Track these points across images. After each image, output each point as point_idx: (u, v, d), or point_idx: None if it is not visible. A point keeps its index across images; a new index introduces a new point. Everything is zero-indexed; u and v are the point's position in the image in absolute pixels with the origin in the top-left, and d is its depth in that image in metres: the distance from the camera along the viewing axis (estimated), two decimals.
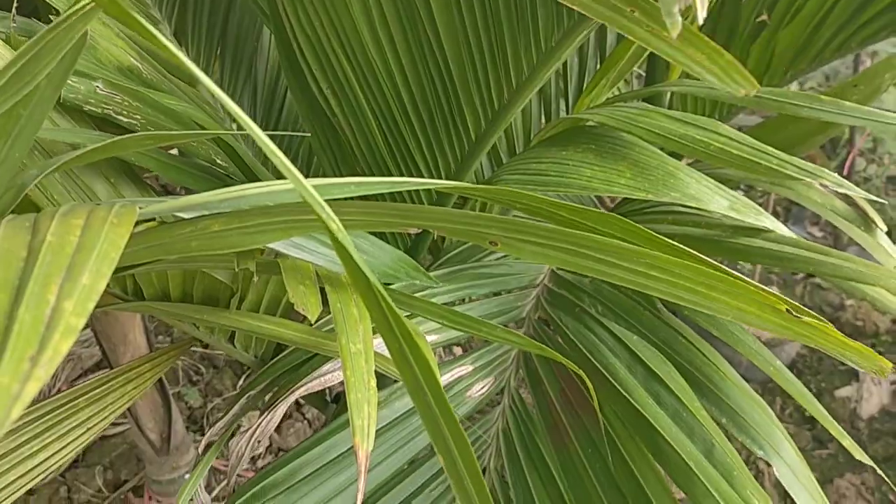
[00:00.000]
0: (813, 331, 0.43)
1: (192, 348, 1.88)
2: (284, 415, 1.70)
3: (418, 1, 0.59)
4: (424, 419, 0.36)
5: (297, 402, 1.72)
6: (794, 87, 1.81)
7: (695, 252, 0.46)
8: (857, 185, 2.20)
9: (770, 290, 0.46)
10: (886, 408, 1.66)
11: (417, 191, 0.73)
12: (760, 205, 1.88)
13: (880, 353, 1.56)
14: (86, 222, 0.32)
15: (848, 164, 1.86)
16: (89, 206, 0.34)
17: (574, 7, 0.49)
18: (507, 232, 0.47)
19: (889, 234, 2.20)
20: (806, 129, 0.85)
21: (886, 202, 1.05)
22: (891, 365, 0.44)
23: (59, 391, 0.78)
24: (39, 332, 0.27)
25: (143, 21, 0.28)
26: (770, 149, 0.60)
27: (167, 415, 1.26)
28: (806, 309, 0.44)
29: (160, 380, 1.21)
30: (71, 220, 0.32)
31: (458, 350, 1.58)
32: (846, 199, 0.70)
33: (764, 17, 0.90)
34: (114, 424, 1.68)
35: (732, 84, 0.54)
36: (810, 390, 1.78)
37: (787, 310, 0.43)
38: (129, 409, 1.21)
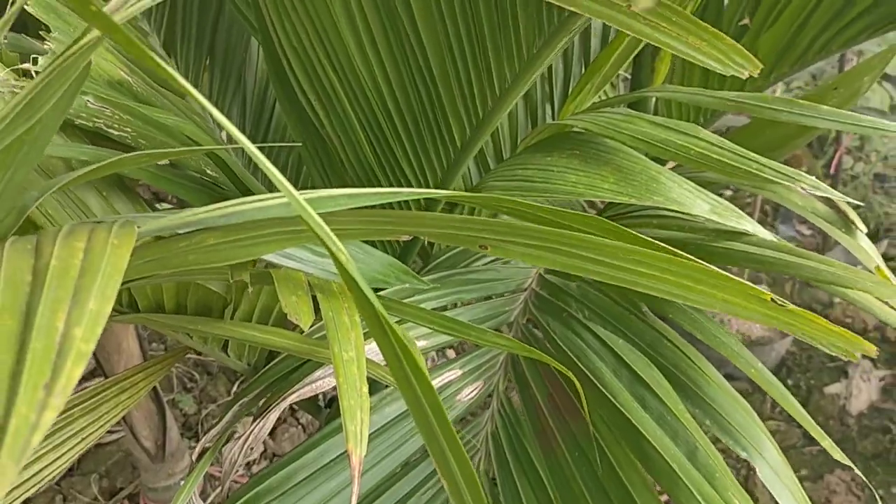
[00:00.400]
0: (798, 318, 0.44)
1: (187, 355, 1.89)
2: (279, 420, 1.71)
3: (402, 13, 0.60)
4: (419, 423, 0.37)
5: (290, 408, 1.73)
6: (780, 87, 1.83)
7: (676, 251, 0.47)
8: (845, 183, 2.21)
9: (759, 287, 0.47)
10: (875, 404, 1.67)
11: (408, 202, 0.74)
12: (748, 205, 1.89)
13: None
14: (87, 245, 0.33)
15: (835, 162, 1.87)
16: (89, 226, 0.35)
17: (571, 8, 0.50)
18: (497, 234, 0.48)
19: (878, 230, 2.20)
20: (786, 132, 0.87)
21: (863, 204, 1.06)
22: (875, 347, 0.45)
23: None
24: (51, 360, 0.27)
25: (150, 52, 0.29)
26: (750, 153, 0.61)
27: (162, 422, 1.27)
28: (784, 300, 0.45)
29: (154, 387, 1.22)
30: (73, 242, 0.33)
31: (451, 353, 1.60)
32: (827, 200, 0.71)
33: (746, 20, 0.91)
34: (109, 432, 1.69)
35: (735, 66, 0.55)
36: (800, 387, 1.79)
37: (771, 299, 0.44)
38: (123, 417, 1.22)
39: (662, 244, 0.48)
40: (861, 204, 0.63)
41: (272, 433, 1.67)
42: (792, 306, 0.42)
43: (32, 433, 0.26)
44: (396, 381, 0.38)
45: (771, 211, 2.23)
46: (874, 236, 2.07)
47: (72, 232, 0.35)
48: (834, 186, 2.02)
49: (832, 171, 1.90)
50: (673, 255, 0.47)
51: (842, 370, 1.75)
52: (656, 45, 0.51)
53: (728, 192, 2.36)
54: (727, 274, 0.44)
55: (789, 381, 1.75)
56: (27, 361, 0.27)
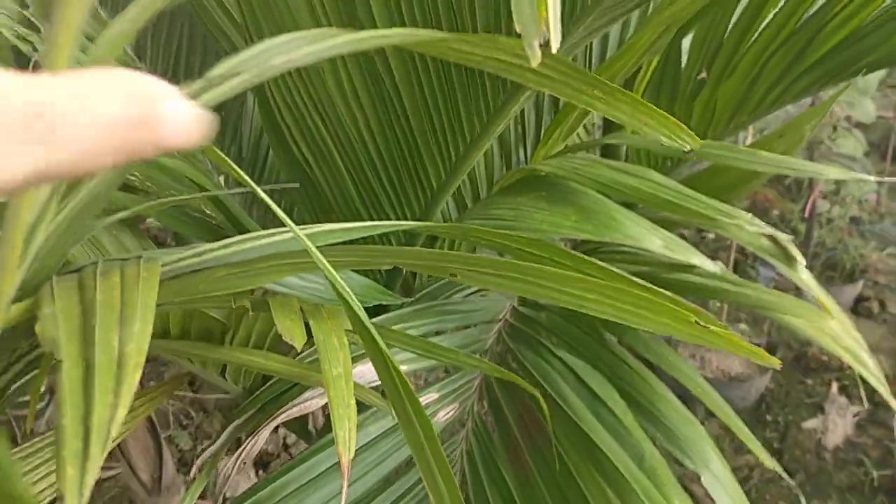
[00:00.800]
0: (717, 337, 0.51)
1: (182, 393, 1.94)
2: (273, 454, 1.76)
3: (384, 74, 0.68)
4: (407, 434, 0.44)
5: (284, 443, 1.78)
6: (751, 132, 1.91)
7: (624, 273, 0.54)
8: (821, 226, 2.26)
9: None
10: (850, 438, 1.73)
11: (388, 236, 0.81)
12: (728, 246, 1.94)
13: (845, 387, 1.64)
14: (122, 280, 0.41)
15: (809, 206, 1.95)
16: (117, 263, 0.43)
17: (545, 90, 0.57)
18: (465, 265, 0.56)
19: (853, 271, 2.26)
20: (741, 175, 0.94)
21: (793, 238, 1.13)
22: (778, 362, 0.51)
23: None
24: (114, 371, 0.35)
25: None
26: (694, 193, 0.68)
27: (158, 456, 1.32)
28: (715, 320, 0.52)
29: (152, 423, 1.27)
30: (110, 278, 0.41)
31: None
32: (770, 237, 0.78)
33: (703, 74, 0.99)
34: (107, 468, 1.73)
35: (679, 141, 0.63)
36: (778, 422, 1.85)
37: (696, 321, 0.51)
38: (122, 451, 1.27)
39: (611, 268, 0.55)
40: (792, 237, 0.70)
41: (266, 466, 1.72)
42: (713, 327, 0.49)
43: (110, 426, 0.33)
44: (391, 401, 0.46)
45: (750, 253, 2.30)
46: (850, 277, 2.14)
47: (106, 270, 0.43)
48: (809, 230, 2.10)
49: (807, 214, 1.98)
50: (619, 280, 0.54)
51: (818, 406, 1.81)
52: (615, 120, 0.59)
53: (711, 235, 2.44)
54: (658, 293, 0.51)
55: (768, 417, 1.80)
56: (95, 374, 0.35)
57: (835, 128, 2.15)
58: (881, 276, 2.20)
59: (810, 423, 1.77)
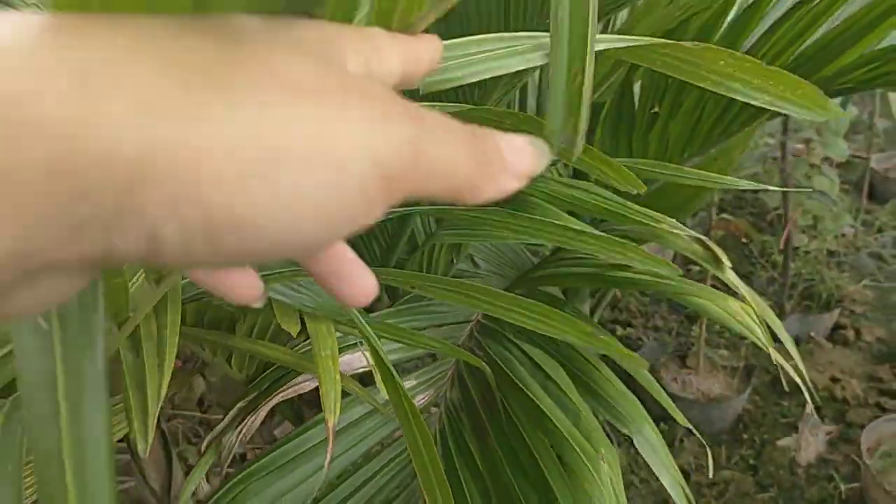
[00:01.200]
0: (606, 343, 0.64)
1: (191, 413, 2.05)
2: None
3: None
4: (398, 412, 0.56)
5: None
6: None
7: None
8: (797, 258, 2.37)
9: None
10: (822, 455, 1.82)
11: (371, 245, 0.94)
12: (704, 278, 2.04)
13: (818, 408, 1.74)
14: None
15: (784, 238, 2.06)
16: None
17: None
18: (423, 281, 0.69)
19: (829, 301, 2.35)
20: (688, 193, 1.06)
21: (772, 269, 1.24)
22: (647, 363, 0.63)
23: None
24: (156, 352, 0.49)
25: None
26: (628, 203, 0.81)
27: (168, 467, 1.43)
28: (604, 334, 0.65)
29: (163, 436, 1.38)
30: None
31: None
32: (701, 243, 0.89)
33: (656, 109, 1.12)
34: (119, 482, 1.83)
35: (628, 187, 0.76)
36: (754, 441, 1.94)
37: (591, 331, 0.64)
38: (136, 461, 1.38)
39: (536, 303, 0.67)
40: (706, 238, 0.82)
41: None
42: (602, 336, 0.62)
43: (160, 391, 0.47)
44: (384, 383, 0.58)
45: (732, 286, 2.40)
46: (827, 306, 2.25)
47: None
48: (785, 261, 2.21)
49: (781, 246, 2.09)
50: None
51: (793, 425, 1.90)
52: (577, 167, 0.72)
53: (696, 268, 2.55)
54: (568, 316, 0.64)
55: (745, 435, 1.90)
56: (145, 355, 0.49)
57: (811, 166, 2.27)
58: (857, 306, 2.30)
59: (784, 442, 1.86)
